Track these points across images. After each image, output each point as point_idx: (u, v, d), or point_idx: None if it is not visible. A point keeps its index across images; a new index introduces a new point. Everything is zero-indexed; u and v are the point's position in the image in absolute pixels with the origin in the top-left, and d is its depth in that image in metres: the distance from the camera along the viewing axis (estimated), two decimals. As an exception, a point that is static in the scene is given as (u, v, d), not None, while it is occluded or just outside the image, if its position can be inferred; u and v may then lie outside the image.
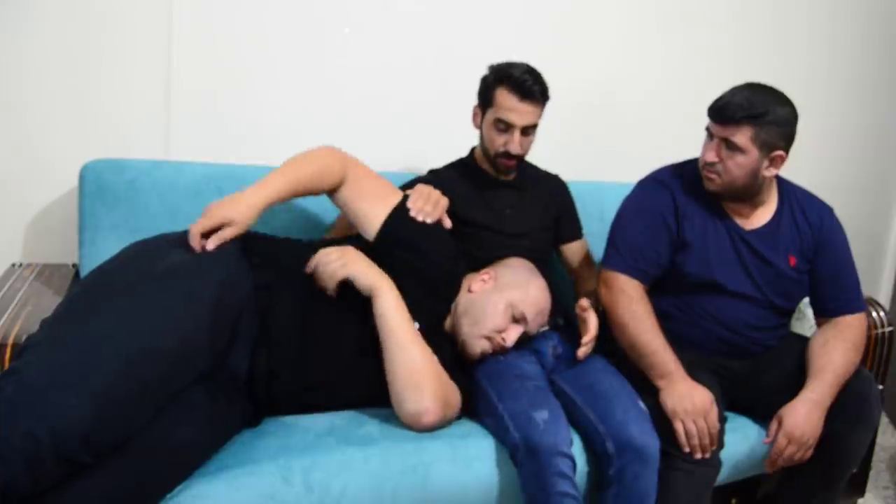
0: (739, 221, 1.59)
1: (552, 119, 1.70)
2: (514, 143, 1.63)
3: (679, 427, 1.38)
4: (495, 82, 1.62)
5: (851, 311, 1.59)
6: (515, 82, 1.59)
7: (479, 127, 1.70)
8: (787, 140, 1.50)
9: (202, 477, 1.12)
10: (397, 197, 1.47)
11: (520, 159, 1.68)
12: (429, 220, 1.45)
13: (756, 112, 1.44)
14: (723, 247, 1.57)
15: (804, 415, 1.43)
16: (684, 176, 1.62)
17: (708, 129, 1.53)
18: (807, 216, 1.61)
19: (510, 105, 1.60)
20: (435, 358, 1.31)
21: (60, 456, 0.94)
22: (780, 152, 1.49)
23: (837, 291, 1.60)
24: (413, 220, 1.43)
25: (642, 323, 1.49)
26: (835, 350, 1.52)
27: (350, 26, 1.95)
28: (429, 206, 1.47)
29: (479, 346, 1.44)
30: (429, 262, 1.43)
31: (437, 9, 2.04)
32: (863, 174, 2.84)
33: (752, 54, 2.44)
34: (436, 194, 1.53)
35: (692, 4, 2.38)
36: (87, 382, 0.98)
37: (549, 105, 1.68)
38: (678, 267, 1.57)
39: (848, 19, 2.67)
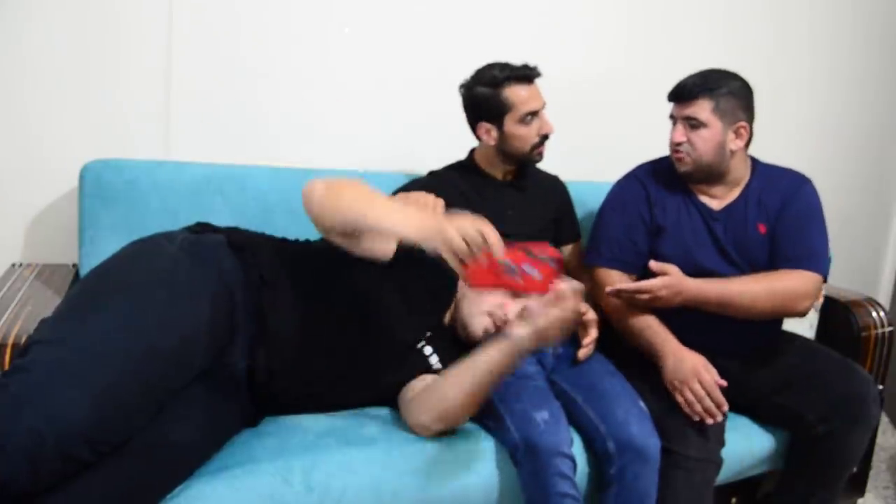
0: (710, 203, 1.63)
1: (555, 120, 1.70)
2: (548, 123, 1.67)
3: (679, 399, 1.41)
4: (496, 89, 1.63)
5: (797, 267, 1.54)
6: (514, 75, 1.62)
7: (498, 138, 1.68)
8: (746, 111, 1.57)
9: (202, 477, 1.12)
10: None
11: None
12: None
13: (710, 85, 1.53)
14: (697, 229, 1.61)
15: (680, 283, 1.46)
16: (656, 167, 1.69)
17: (672, 115, 1.60)
18: (776, 184, 1.63)
19: (526, 95, 1.63)
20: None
21: (62, 453, 0.94)
22: (743, 123, 1.56)
23: (790, 248, 1.56)
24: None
25: (626, 306, 1.54)
26: (755, 280, 1.52)
27: (350, 26, 1.95)
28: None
29: (480, 323, 1.43)
30: (434, 271, 1.41)
31: (437, 9, 2.04)
32: (863, 174, 2.84)
33: (752, 54, 2.44)
34: (431, 202, 1.52)
35: (692, 4, 2.38)
36: (88, 380, 0.98)
37: (549, 106, 1.69)
38: (657, 252, 1.61)
39: (848, 19, 2.67)
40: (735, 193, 1.63)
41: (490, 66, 1.65)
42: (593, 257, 1.66)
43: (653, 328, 1.52)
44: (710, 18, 2.41)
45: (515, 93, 1.62)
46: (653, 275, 1.55)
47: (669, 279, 1.44)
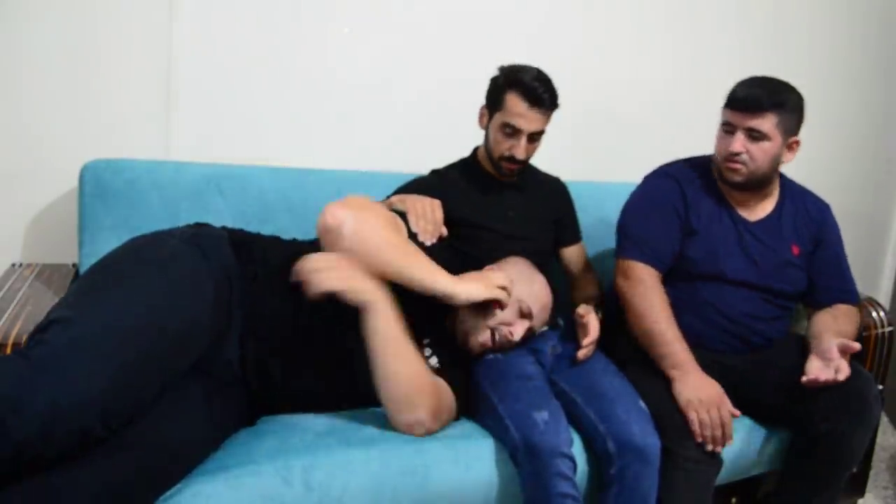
0: (744, 213, 1.63)
1: (554, 120, 1.70)
2: (520, 149, 1.63)
3: (693, 416, 1.39)
4: (506, 86, 1.62)
5: (846, 301, 1.65)
6: (526, 88, 1.59)
7: (486, 128, 1.70)
8: (800, 126, 1.58)
9: (202, 477, 1.12)
10: (404, 230, 1.43)
11: (522, 164, 1.68)
12: (434, 241, 1.45)
13: (779, 99, 1.52)
14: (728, 237, 1.61)
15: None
16: (691, 169, 1.67)
17: (728, 122, 1.56)
18: (807, 209, 1.67)
19: (519, 111, 1.60)
20: (424, 368, 1.29)
21: (76, 424, 0.96)
22: (796, 138, 1.57)
23: (834, 282, 1.65)
24: (422, 245, 1.43)
25: (658, 312, 1.52)
26: (836, 319, 1.58)
27: (350, 26, 1.95)
28: (431, 226, 1.47)
29: (483, 337, 1.44)
30: None
31: (438, 9, 2.04)
32: (863, 174, 2.84)
33: (752, 54, 2.44)
34: (429, 207, 1.51)
35: (691, 6, 2.38)
36: (107, 354, 1.01)
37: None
38: (685, 255, 1.60)
39: (847, 19, 2.67)
40: (767, 207, 1.64)
41: (527, 69, 1.62)
42: (631, 252, 1.60)
43: (674, 343, 1.48)
44: (709, 19, 2.41)
45: (515, 101, 1.60)
46: (683, 276, 1.58)
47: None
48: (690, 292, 1.60)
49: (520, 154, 1.64)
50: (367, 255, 1.24)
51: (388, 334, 1.24)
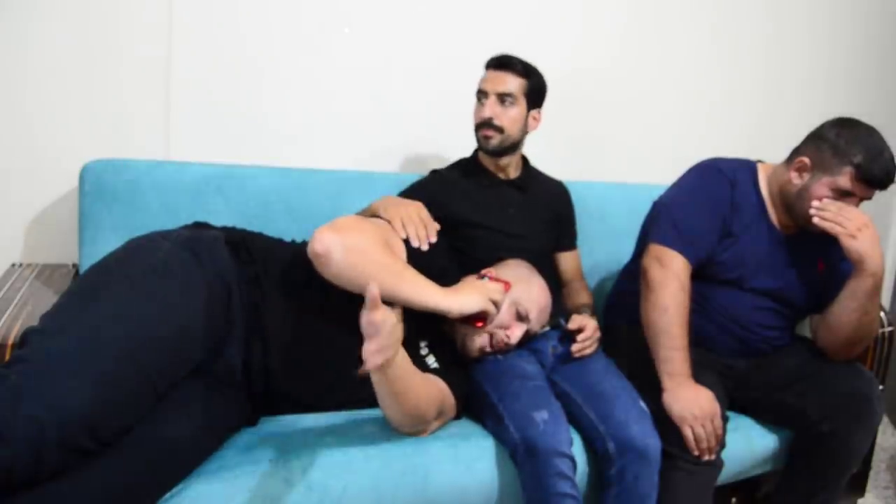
0: (780, 226, 1.61)
1: (553, 119, 1.70)
2: (486, 109, 1.67)
3: (688, 433, 1.38)
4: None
5: None
6: (490, 61, 1.68)
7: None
8: None
9: (202, 477, 1.13)
10: (399, 243, 1.43)
11: (498, 131, 1.67)
12: (430, 241, 1.45)
13: None
14: (759, 247, 1.58)
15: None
16: (740, 171, 1.63)
17: (852, 192, 1.54)
18: None
19: (485, 76, 1.69)
20: (426, 389, 1.27)
21: (63, 441, 0.95)
22: None
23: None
24: (418, 250, 1.43)
25: (682, 315, 1.48)
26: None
27: (350, 26, 1.95)
28: (422, 230, 1.46)
29: (480, 342, 1.44)
30: (434, 276, 1.40)
31: (437, 8, 2.04)
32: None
33: (752, 54, 2.44)
34: (413, 210, 1.51)
35: (691, 4, 2.38)
36: (88, 369, 1.00)
37: (551, 105, 1.68)
38: (713, 258, 1.57)
39: (847, 19, 2.67)
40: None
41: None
42: (674, 241, 1.53)
43: (681, 350, 1.45)
44: (709, 18, 2.41)
45: (484, 73, 1.70)
46: (702, 276, 1.56)
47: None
48: (705, 294, 1.58)
49: (485, 112, 1.66)
50: (356, 280, 1.23)
51: (394, 386, 1.19)
